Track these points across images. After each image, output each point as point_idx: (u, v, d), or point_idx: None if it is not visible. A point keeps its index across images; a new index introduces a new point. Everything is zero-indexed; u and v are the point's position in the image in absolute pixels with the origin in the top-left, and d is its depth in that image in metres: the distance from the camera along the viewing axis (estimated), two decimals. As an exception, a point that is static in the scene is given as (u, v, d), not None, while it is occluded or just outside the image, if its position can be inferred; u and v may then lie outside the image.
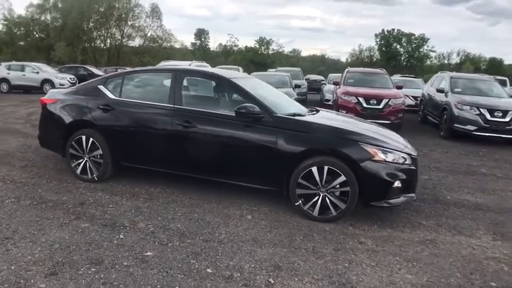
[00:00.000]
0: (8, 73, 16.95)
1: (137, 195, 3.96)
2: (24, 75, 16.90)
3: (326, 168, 3.41)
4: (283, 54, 68.30)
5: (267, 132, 3.58)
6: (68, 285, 2.36)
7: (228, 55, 66.40)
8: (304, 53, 79.06)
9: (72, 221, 3.27)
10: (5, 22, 33.43)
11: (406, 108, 12.83)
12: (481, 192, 4.77)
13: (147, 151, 4.03)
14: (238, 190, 3.88)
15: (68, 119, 4.25)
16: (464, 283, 2.63)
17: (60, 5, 33.32)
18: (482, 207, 4.23)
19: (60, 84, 15.99)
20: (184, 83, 3.97)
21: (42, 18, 33.65)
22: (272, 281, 2.52)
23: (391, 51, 51.94)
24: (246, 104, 3.59)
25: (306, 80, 22.60)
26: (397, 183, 3.43)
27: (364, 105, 8.83)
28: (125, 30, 37.29)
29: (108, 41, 37.03)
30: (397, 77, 18.71)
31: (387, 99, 8.79)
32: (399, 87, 9.80)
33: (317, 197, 3.48)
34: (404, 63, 51.02)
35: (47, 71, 17.55)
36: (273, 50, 67.82)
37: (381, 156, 3.40)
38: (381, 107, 8.75)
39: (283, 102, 4.33)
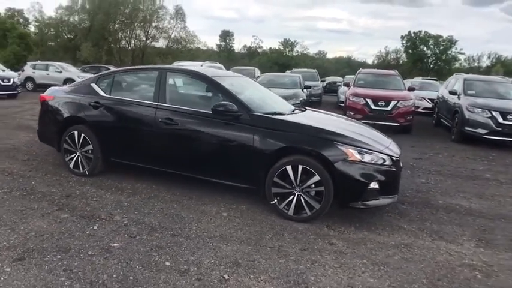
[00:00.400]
0: (34, 72, 17.83)
1: (122, 190, 4.08)
2: (48, 74, 17.68)
3: (300, 167, 3.39)
4: (309, 56, 68.00)
5: (244, 130, 3.59)
6: (31, 270, 2.48)
7: (252, 57, 66.77)
8: (330, 55, 78.31)
9: (54, 212, 3.42)
10: (37, 23, 35.21)
11: (422, 111, 12.65)
12: (478, 197, 4.57)
13: (133, 147, 4.14)
14: (221, 188, 3.91)
15: (62, 115, 4.44)
16: (428, 289, 2.55)
17: (87, 7, 34.64)
18: (474, 212, 4.05)
19: (82, 83, 16.62)
20: (169, 81, 4.06)
21: (71, 19, 35.06)
22: (227, 277, 2.54)
23: (418, 54, 50.39)
24: (223, 102, 3.63)
25: (323, 81, 22.44)
26: (373, 185, 3.36)
27: (372, 106, 8.66)
28: (149, 32, 38.27)
29: (133, 42, 38.09)
30: (418, 80, 18.23)
31: (396, 101, 8.57)
32: (411, 89, 9.54)
33: (292, 196, 3.46)
34: (431, 65, 49.32)
35: (70, 71, 18.24)
36: (297, 51, 67.60)
37: (356, 156, 3.34)
38: (389, 108, 8.55)
39: (267, 101, 4.33)
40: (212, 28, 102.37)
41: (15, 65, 26.10)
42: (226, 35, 70.76)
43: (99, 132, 4.21)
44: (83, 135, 4.26)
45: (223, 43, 70.44)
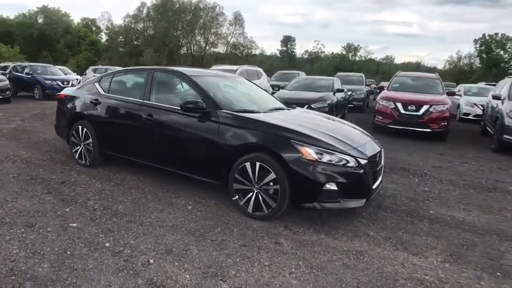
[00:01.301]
0: (94, 75, 19.85)
1: (111, 180, 4.43)
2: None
3: (258, 164, 3.39)
4: (375, 61, 65.54)
5: (211, 127, 3.69)
6: (-7, 239, 2.88)
7: (313, 62, 66.27)
8: (398, 60, 74.50)
9: (42, 195, 3.86)
10: (107, 31, 39.18)
11: (474, 118, 11.51)
12: (481, 210, 4.10)
13: (123, 142, 4.48)
14: (200, 184, 3.98)
15: (70, 111, 4.97)
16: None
17: (152, 15, 37.54)
18: (465, 226, 3.65)
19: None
20: (155, 80, 4.33)
21: (137, 27, 38.28)
22: (151, 261, 2.67)
23: (493, 58, 45.50)
24: (192, 99, 3.78)
25: (372, 85, 21.45)
26: (330, 186, 3.23)
27: (402, 111, 8.15)
28: (208, 38, 40.15)
29: (192, 47, 40.28)
30: (480, 85, 16.61)
31: (428, 106, 7.96)
32: (450, 94, 8.79)
33: (251, 193, 3.48)
34: (509, 70, 44.13)
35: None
36: (361, 56, 65.49)
37: (313, 155, 3.25)
38: (419, 113, 7.97)
39: (247, 100, 4.39)
40: (276, 34, 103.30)
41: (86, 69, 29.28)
42: (287, 40, 71.18)
43: (97, 127, 4.63)
44: (85, 129, 4.72)
45: (284, 48, 70.94)
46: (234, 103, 4.08)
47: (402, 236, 3.36)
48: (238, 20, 41.01)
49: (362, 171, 3.38)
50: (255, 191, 3.45)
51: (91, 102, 4.70)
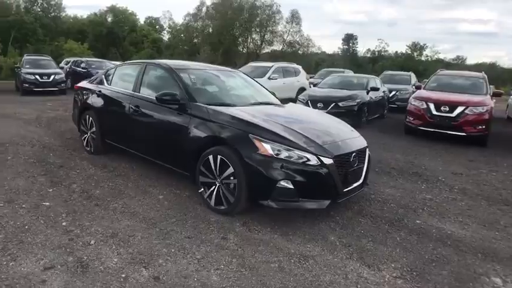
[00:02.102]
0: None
1: (106, 167, 4.69)
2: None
3: (219, 158, 3.36)
4: (444, 61, 60.57)
5: (184, 118, 3.74)
6: (-27, 210, 3.24)
7: (375, 61, 63.26)
8: (471, 61, 67.80)
9: (38, 176, 4.23)
10: (169, 30, 41.43)
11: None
12: (481, 225, 3.61)
13: (117, 131, 4.73)
14: (186, 176, 3.91)
15: (81, 101, 5.37)
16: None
17: (213, 13, 38.73)
18: (450, 240, 3.25)
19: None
20: (145, 73, 4.49)
21: (196, 25, 39.78)
22: (92, 243, 2.80)
23: None
24: (168, 92, 3.85)
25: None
26: (285, 183, 3.09)
27: (434, 112, 7.44)
28: (264, 36, 40.34)
29: (248, 45, 40.78)
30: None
31: (464, 107, 7.16)
32: (497, 95, 7.80)
33: (214, 187, 3.46)
34: None
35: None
36: (427, 56, 60.97)
37: (269, 151, 3.13)
38: (453, 115, 7.20)
39: (228, 94, 4.39)
40: (338, 32, 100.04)
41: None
42: (349, 39, 68.74)
43: (99, 116, 4.95)
44: (90, 118, 5.08)
45: (345, 47, 68.68)
46: (212, 96, 4.08)
47: (366, 244, 3.10)
48: (295, 17, 40.66)
49: (325, 170, 3.17)
50: (217, 185, 3.43)
51: (96, 93, 5.04)
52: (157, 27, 45.46)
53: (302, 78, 13.43)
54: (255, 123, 3.37)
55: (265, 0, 39.48)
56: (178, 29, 40.40)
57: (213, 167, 3.42)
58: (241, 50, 39.93)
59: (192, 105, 3.74)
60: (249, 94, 4.61)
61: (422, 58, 59.77)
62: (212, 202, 3.48)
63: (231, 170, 3.28)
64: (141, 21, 47.95)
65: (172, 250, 2.79)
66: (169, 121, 3.91)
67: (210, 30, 39.30)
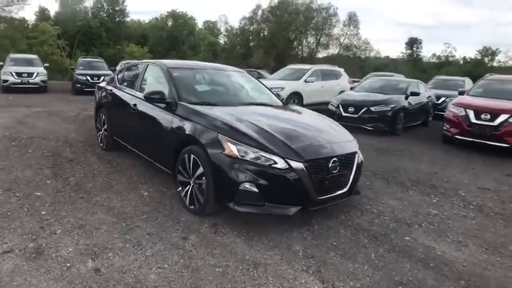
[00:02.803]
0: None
1: (111, 163, 4.91)
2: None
3: (192, 157, 3.34)
4: (522, 67, 54.54)
5: (170, 117, 3.76)
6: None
7: (441, 66, 59.07)
8: (555, 67, 60.10)
9: (45, 168, 4.54)
10: (226, 33, 42.52)
11: None
12: (483, 248, 3.14)
13: (121, 128, 4.95)
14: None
15: (97, 100, 5.72)
16: None
17: (268, 16, 38.96)
18: (435, 262, 2.87)
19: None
20: (147, 72, 4.64)
21: (251, 29, 40.28)
22: (58, 232, 2.95)
23: None
24: (156, 90, 3.92)
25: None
26: (249, 186, 2.97)
27: (473, 120, 6.68)
28: (320, 39, 39.68)
29: (303, 48, 40.35)
30: None
31: (508, 115, 6.31)
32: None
33: (189, 186, 3.45)
34: None
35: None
36: (499, 62, 55.38)
37: (235, 152, 3.03)
38: (494, 124, 6.40)
39: (219, 94, 4.37)
40: (401, 36, 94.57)
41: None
42: (413, 43, 64.93)
43: (108, 114, 5.22)
44: (103, 116, 5.38)
45: (409, 51, 64.99)
46: (200, 96, 4.08)
47: (331, 258, 2.85)
48: (352, 20, 39.42)
49: (293, 174, 2.99)
50: (191, 184, 3.41)
51: (107, 92, 5.33)
52: (214, 30, 47.12)
53: (343, 81, 12.92)
54: (227, 123, 3.29)
55: (322, 2, 38.90)
56: (235, 33, 41.30)
57: (187, 166, 3.42)
58: (296, 53, 39.60)
59: (178, 104, 3.77)
60: (243, 94, 4.55)
61: (495, 64, 54.45)
62: (187, 201, 3.47)
63: (201, 169, 3.24)
64: (200, 25, 50.27)
65: (127, 245, 2.83)
66: (157, 120, 3.99)
67: (266, 33, 39.55)
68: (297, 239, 3.10)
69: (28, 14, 45.70)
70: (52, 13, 41.80)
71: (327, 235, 3.22)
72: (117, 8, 46.78)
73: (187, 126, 3.52)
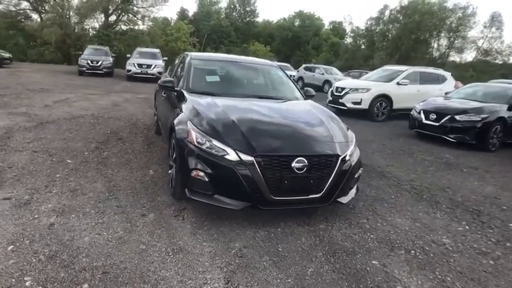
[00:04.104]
0: (304, 73, 21.77)
1: (151, 145, 5.45)
2: (313, 75, 20.99)
3: (172, 141, 3.51)
4: None
5: (175, 103, 4.01)
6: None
7: None
8: None
9: (95, 142, 5.33)
10: (352, 34, 40.93)
11: None
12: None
13: (158, 113, 5.46)
14: None
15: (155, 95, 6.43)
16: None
17: (397, 17, 36.00)
18: (365, 285, 2.36)
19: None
20: (181, 62, 4.98)
21: (378, 29, 37.83)
22: (54, 191, 3.50)
23: None
24: (168, 79, 4.25)
25: None
26: (199, 174, 2.97)
27: None
28: (454, 42, 34.79)
29: (432, 51, 36.02)
30: None
31: None
32: None
33: (171, 170, 3.63)
34: None
35: (331, 73, 20.67)
36: None
37: (194, 140, 3.08)
38: None
39: (233, 85, 4.44)
40: None
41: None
42: None
43: (156, 101, 5.83)
44: (155, 103, 6.03)
45: None
46: (205, 86, 4.22)
47: (261, 262, 2.63)
48: (496, 21, 33.25)
49: (243, 168, 2.86)
50: (173, 168, 3.59)
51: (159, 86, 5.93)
52: (339, 31, 46.23)
53: (447, 87, 11.13)
54: (198, 111, 3.35)
55: (458, 1, 33.97)
56: (361, 33, 39.62)
57: (171, 152, 3.61)
58: (422, 55, 35.61)
59: (183, 93, 3.99)
60: (252, 87, 4.53)
61: None
62: (169, 184, 3.67)
63: (175, 154, 3.39)
64: (326, 25, 49.99)
65: (92, 211, 3.18)
66: (169, 106, 4.31)
67: (393, 33, 36.70)
68: (245, 238, 2.95)
69: (170, 13, 53.46)
70: (190, 13, 47.84)
71: (282, 240, 2.96)
72: (247, 9, 50.36)
73: (177, 113, 3.70)
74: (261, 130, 3.16)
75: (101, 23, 31.31)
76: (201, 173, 2.99)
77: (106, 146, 5.24)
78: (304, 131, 3.32)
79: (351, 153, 3.31)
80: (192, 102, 3.62)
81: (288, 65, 27.51)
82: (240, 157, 2.89)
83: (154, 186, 3.86)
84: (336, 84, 11.55)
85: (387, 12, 37.54)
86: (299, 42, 47.01)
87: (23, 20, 28.89)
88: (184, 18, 45.30)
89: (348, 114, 10.41)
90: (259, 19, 52.39)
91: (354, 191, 3.52)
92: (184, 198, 3.32)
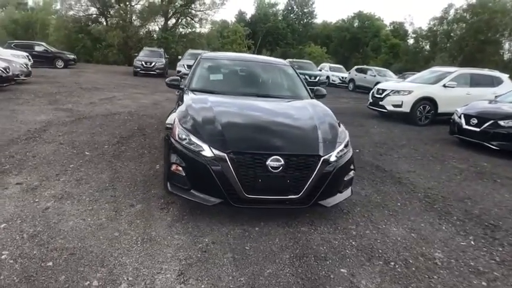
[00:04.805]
0: (356, 75, 21.02)
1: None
2: (365, 77, 20.20)
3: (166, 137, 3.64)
4: None
5: (178, 101, 4.18)
6: None
7: None
8: None
9: (119, 137, 5.72)
10: (413, 35, 38.41)
11: None
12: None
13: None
14: None
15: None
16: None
17: (464, 16, 33.17)
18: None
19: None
20: (197, 61, 5.12)
21: (442, 29, 35.15)
22: (61, 180, 3.82)
23: None
24: (174, 77, 4.42)
25: None
26: (179, 169, 3.04)
27: None
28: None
29: (503, 54, 32.56)
30: None
31: None
32: None
33: (166, 164, 3.77)
34: None
35: (385, 75, 19.65)
36: None
37: (176, 136, 3.17)
38: None
39: (239, 84, 4.47)
40: None
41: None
42: None
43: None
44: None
45: None
46: (207, 84, 4.30)
47: (222, 259, 2.63)
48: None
49: (216, 164, 2.88)
50: (171, 162, 3.73)
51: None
52: (400, 32, 43.82)
53: (504, 90, 9.97)
54: (187, 108, 3.43)
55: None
56: (424, 34, 37.14)
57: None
58: (489, 58, 32.30)
59: (185, 91, 4.13)
60: (255, 85, 4.48)
61: None
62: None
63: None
64: (387, 26, 47.70)
65: (87, 199, 3.43)
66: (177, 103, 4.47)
67: (457, 32, 33.87)
68: (218, 234, 2.97)
69: (229, 16, 55.01)
70: (248, 16, 48.65)
71: (254, 239, 2.93)
72: (305, 10, 49.88)
73: (174, 110, 3.84)
74: (239, 127, 3.16)
75: (160, 26, 33.27)
76: (180, 168, 3.06)
77: (127, 141, 5.59)
78: (287, 129, 3.24)
79: (339, 154, 3.16)
80: (187, 99, 3.72)
81: (341, 66, 26.80)
82: (213, 153, 2.91)
83: (154, 180, 4.04)
84: (378, 85, 11.01)
85: (452, 11, 34.72)
86: (357, 43, 45.45)
87: (89, 24, 31.56)
88: (242, 20, 46.22)
89: (388, 118, 9.89)
90: (318, 20, 51.67)
91: (344, 194, 3.34)
92: (168, 191, 3.44)
